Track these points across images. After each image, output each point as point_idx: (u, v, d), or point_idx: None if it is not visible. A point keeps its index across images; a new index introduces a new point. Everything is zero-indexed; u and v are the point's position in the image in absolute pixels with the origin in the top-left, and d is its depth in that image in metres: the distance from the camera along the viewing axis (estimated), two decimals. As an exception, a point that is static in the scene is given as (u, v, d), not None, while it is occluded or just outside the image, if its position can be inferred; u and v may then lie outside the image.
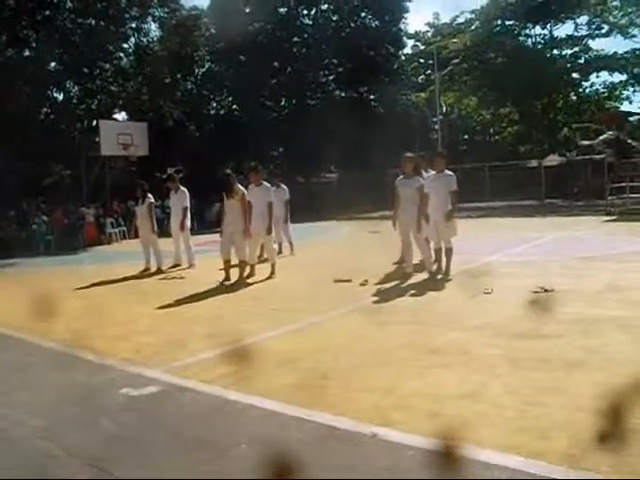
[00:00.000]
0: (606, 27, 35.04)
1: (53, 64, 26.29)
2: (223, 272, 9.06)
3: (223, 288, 8.58)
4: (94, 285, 9.65)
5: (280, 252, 12.00)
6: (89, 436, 3.47)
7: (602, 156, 25.67)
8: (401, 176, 8.62)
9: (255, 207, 9.50)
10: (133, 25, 27.86)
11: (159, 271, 10.89)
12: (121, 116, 29.96)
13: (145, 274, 10.79)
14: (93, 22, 25.66)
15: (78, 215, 21.82)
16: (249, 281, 9.07)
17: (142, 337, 5.76)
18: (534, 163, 32.25)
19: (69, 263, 14.53)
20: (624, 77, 36.20)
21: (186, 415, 3.73)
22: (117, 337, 5.80)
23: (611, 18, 35.02)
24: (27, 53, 25.46)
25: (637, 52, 35.25)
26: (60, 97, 27.57)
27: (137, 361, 4.89)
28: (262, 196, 9.59)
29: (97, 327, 6.24)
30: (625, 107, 38.46)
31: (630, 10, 34.55)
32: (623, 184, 19.79)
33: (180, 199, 11.70)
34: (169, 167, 28.93)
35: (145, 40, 28.63)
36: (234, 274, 9.04)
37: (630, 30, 34.95)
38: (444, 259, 8.58)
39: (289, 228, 12.70)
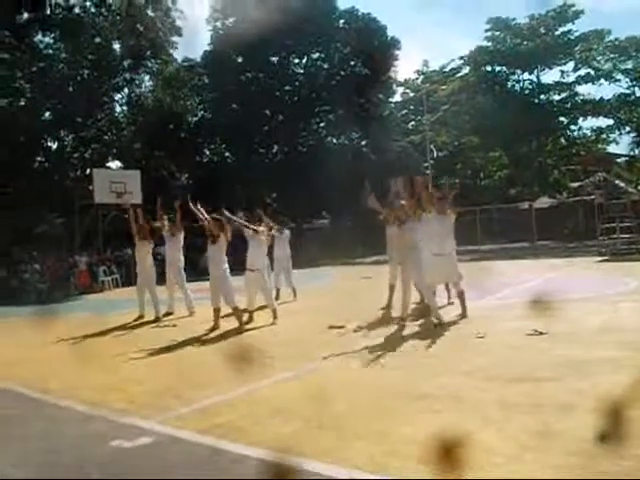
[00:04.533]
0: (592, 72, 35.90)
1: (47, 114, 26.66)
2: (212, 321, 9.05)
3: (217, 336, 8.53)
4: (86, 333, 9.57)
5: (277, 298, 11.91)
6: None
7: (592, 197, 25.94)
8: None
9: (249, 253, 9.60)
10: (126, 76, 28.35)
11: (156, 319, 10.81)
12: (115, 165, 30.20)
13: (138, 323, 10.71)
14: (87, 73, 26.14)
15: (70, 263, 21.77)
16: (246, 327, 9.03)
17: (135, 387, 5.71)
18: (525, 205, 32.53)
19: (61, 312, 14.41)
20: (611, 121, 36.92)
21: (180, 466, 3.68)
22: (109, 387, 5.74)
23: (595, 63, 35.90)
24: (22, 103, 25.83)
25: (622, 97, 36.01)
26: (54, 146, 27.89)
27: (130, 411, 4.84)
28: (256, 241, 9.66)
29: (88, 376, 6.19)
30: (612, 149, 39.13)
31: (613, 56, 35.47)
32: (613, 225, 19.96)
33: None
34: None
35: (138, 91, 29.10)
36: (225, 323, 9.02)
37: (614, 75, 35.83)
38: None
39: (291, 273, 12.69)
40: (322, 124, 38.04)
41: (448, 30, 77.03)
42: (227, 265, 9.14)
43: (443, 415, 4.20)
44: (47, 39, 25.83)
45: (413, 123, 45.51)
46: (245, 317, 9.36)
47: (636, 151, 38.81)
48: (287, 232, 12.69)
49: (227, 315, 9.25)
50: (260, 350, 7.21)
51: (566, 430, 3.71)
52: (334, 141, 38.10)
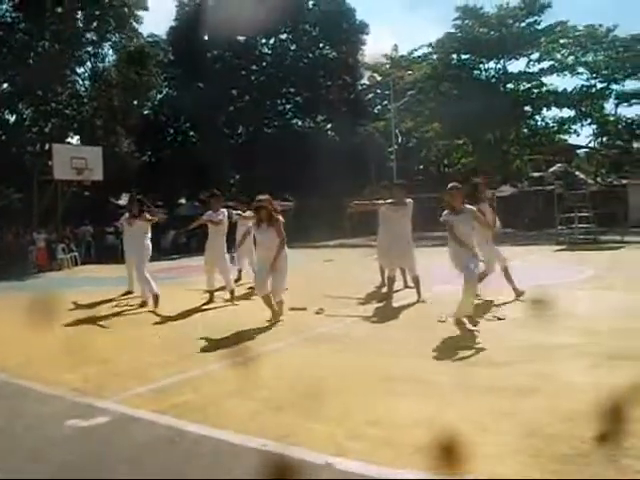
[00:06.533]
0: (556, 64, 36.41)
1: (5, 85, 25.88)
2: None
3: (178, 316, 8.44)
4: (43, 312, 9.36)
5: (240, 279, 11.95)
6: (34, 469, 3.34)
7: (552, 187, 26.38)
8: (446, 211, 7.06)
9: (213, 234, 9.58)
10: (89, 49, 27.64)
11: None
12: (75, 140, 29.51)
13: (98, 301, 10.50)
14: (47, 44, 25.39)
15: (28, 240, 21.28)
16: (206, 308, 9.01)
17: (92, 366, 5.60)
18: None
19: (17, 289, 14.10)
20: (573, 112, 37.50)
21: (138, 446, 3.63)
22: (66, 366, 5.62)
23: (558, 56, 36.39)
24: (-22, 73, 25.01)
25: (584, 89, 36.62)
26: (12, 119, 27.10)
27: (86, 391, 4.75)
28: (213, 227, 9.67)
29: (45, 356, 6.07)
30: (573, 140, 39.77)
31: (574, 49, 36.02)
32: (572, 214, 20.35)
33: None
34: (124, 193, 28.56)
35: (101, 65, 28.43)
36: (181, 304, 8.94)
37: (576, 68, 36.42)
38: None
39: (254, 255, 12.63)
40: (288, 106, 37.86)
41: (418, 16, 77.09)
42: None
43: (405, 397, 4.21)
44: (5, 6, 24.94)
45: (379, 108, 45.51)
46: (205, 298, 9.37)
47: (595, 143, 39.62)
48: (250, 213, 12.60)
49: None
50: (221, 331, 7.17)
51: (525, 412, 3.77)
52: (299, 123, 37.98)
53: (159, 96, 35.37)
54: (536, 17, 35.87)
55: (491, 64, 37.78)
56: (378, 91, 43.90)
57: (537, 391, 4.18)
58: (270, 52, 37.12)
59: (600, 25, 35.42)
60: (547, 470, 2.94)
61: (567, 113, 38.00)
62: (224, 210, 9.91)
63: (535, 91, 37.30)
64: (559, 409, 3.76)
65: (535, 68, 37.25)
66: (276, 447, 3.39)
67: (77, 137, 29.58)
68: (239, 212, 11.96)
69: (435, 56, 39.69)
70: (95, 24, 26.70)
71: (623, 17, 43.61)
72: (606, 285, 9.67)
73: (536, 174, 37.18)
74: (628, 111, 52.67)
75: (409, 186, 9.79)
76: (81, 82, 28.86)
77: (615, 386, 4.02)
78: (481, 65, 37.98)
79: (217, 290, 9.76)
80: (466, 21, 37.25)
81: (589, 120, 37.62)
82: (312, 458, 3.21)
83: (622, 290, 9.14)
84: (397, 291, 9.19)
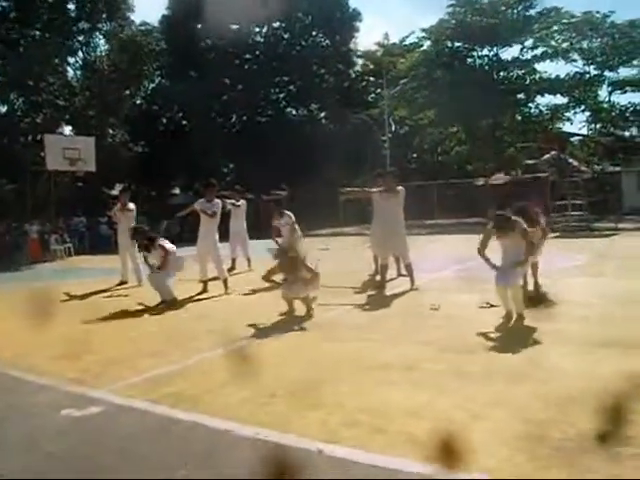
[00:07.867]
0: (549, 51, 36.32)
1: (-5, 75, 25.73)
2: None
3: (169, 306, 8.45)
4: (35, 303, 9.35)
5: (234, 268, 12.03)
6: (29, 459, 3.36)
7: (545, 175, 26.42)
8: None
9: (205, 224, 9.59)
10: (81, 39, 27.46)
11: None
12: (68, 131, 29.37)
13: (90, 292, 10.51)
14: (38, 34, 25.21)
15: (21, 231, 21.22)
16: (199, 297, 9.05)
17: (85, 356, 5.61)
18: (481, 182, 32.93)
19: (10, 281, 14.07)
20: (566, 100, 37.50)
21: (131, 435, 3.65)
22: (59, 356, 5.63)
23: (552, 42, 36.29)
24: (-32, 63, 24.83)
25: (578, 76, 36.58)
26: (3, 109, 26.97)
27: (80, 381, 4.76)
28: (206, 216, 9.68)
29: (38, 346, 6.07)
30: (567, 128, 39.78)
31: (569, 35, 35.94)
32: (565, 202, 20.42)
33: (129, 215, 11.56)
34: (118, 183, 28.48)
35: (93, 55, 28.26)
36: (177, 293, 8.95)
37: (570, 54, 36.34)
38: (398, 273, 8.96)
39: (247, 244, 12.70)
40: (282, 94, 37.73)
41: (411, 3, 76.60)
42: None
43: (398, 385, 4.24)
44: (-4, -5, 24.79)
45: (373, 96, 45.40)
46: (199, 288, 9.40)
47: (588, 130, 39.61)
48: (243, 203, 12.66)
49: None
50: (214, 319, 7.20)
51: (516, 399, 3.80)
52: (293, 112, 37.87)
53: (152, 85, 35.20)
54: (530, 2, 35.73)
55: (484, 51, 37.68)
56: (371, 79, 43.78)
57: (528, 377, 4.22)
58: (263, 41, 36.94)
59: (597, 12, 35.33)
60: (538, 455, 2.98)
61: (560, 100, 38.02)
62: (218, 201, 9.88)
63: (528, 78, 37.22)
64: (550, 395, 3.80)
65: (529, 55, 37.18)
66: (269, 434, 3.41)
67: (69, 128, 29.46)
68: (233, 201, 12.07)
69: (428, 42, 39.55)
70: (87, 12, 26.52)
71: (620, 3, 43.48)
72: (597, 272, 9.74)
73: (530, 161, 37.20)
74: (622, 98, 52.63)
75: (402, 174, 9.80)
76: (73, 72, 28.75)
77: (605, 373, 4.07)
78: (474, 53, 37.85)
79: (210, 280, 9.77)
80: (459, 8, 37.09)
81: (582, 107, 37.61)
82: (305, 445, 3.24)
83: (613, 277, 9.20)
84: (390, 279, 9.22)
